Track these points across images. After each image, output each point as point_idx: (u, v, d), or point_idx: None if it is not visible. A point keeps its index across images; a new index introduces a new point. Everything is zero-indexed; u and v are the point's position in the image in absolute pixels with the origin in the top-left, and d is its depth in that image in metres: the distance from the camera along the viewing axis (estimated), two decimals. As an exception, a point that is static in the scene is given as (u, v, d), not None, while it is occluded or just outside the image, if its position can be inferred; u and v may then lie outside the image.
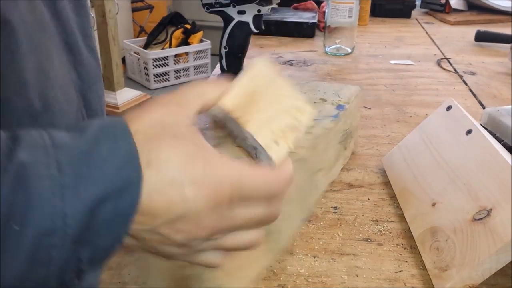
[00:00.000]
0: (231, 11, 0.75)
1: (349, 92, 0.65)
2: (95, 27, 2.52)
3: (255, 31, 0.75)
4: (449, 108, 0.57)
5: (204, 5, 0.75)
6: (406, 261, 0.48)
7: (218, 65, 0.83)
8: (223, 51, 0.77)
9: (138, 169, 0.27)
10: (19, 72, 0.35)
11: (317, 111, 0.58)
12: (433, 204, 0.50)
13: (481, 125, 0.59)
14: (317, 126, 0.55)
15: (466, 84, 0.98)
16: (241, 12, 0.74)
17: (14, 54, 0.34)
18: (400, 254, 0.49)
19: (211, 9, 0.76)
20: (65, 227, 0.26)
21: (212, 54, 3.37)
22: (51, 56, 0.39)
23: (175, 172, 0.28)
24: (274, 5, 0.79)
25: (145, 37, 3.35)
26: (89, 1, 0.50)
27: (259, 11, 0.74)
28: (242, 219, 0.31)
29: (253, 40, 1.12)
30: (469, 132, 0.51)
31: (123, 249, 0.30)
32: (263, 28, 0.77)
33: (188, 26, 3.30)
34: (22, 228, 0.25)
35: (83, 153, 0.27)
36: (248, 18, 0.74)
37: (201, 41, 3.36)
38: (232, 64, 0.77)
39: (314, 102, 0.62)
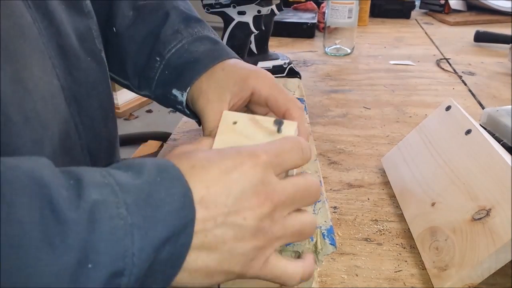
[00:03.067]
0: (231, 11, 0.75)
1: (294, 85, 0.68)
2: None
3: (255, 31, 0.76)
4: (448, 108, 0.57)
5: (204, 5, 0.76)
6: (406, 261, 0.48)
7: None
8: (223, 51, 0.77)
9: (193, 210, 0.28)
10: None
11: None
12: (433, 204, 0.50)
13: (480, 125, 0.59)
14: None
15: (465, 84, 0.98)
16: (241, 13, 0.74)
17: None
18: (400, 254, 0.49)
19: (211, 10, 0.76)
20: (132, 268, 0.26)
21: (212, 55, 3.37)
22: (29, 64, 0.36)
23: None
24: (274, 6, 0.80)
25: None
26: (89, 2, 0.47)
27: (259, 11, 0.74)
28: (286, 178, 0.33)
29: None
30: (468, 132, 0.51)
31: None
32: (263, 28, 0.77)
33: (188, 27, 3.29)
34: (95, 266, 0.24)
35: (144, 194, 0.27)
36: (248, 18, 0.75)
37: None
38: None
39: None
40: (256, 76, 0.46)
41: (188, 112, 0.51)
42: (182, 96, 0.49)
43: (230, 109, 0.46)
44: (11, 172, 0.24)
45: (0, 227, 0.22)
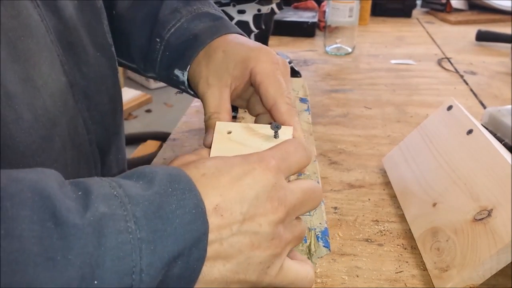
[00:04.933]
0: (231, 10, 0.74)
1: (298, 84, 0.68)
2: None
3: (255, 30, 0.75)
4: (450, 108, 0.56)
5: (204, 4, 0.75)
6: (407, 262, 0.48)
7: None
8: (223, 50, 0.77)
9: (205, 223, 0.27)
10: (3, 82, 0.32)
11: None
12: (434, 204, 0.50)
13: (482, 125, 0.59)
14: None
15: (467, 84, 0.98)
16: (241, 12, 0.74)
17: None
18: (401, 255, 0.49)
19: (211, 9, 0.75)
20: (140, 284, 0.25)
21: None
22: (37, 62, 0.36)
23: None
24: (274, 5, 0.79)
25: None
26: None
27: (259, 10, 0.74)
28: (294, 180, 0.33)
29: (253, 39, 1.11)
30: (470, 132, 0.51)
31: None
32: (263, 27, 0.77)
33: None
34: (101, 283, 0.23)
35: (154, 207, 0.26)
36: (248, 17, 0.74)
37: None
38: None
39: None
40: (256, 58, 0.43)
41: (192, 92, 0.50)
42: (183, 76, 0.48)
43: (232, 92, 0.44)
44: (15, 185, 0.24)
45: (0, 243, 0.21)
